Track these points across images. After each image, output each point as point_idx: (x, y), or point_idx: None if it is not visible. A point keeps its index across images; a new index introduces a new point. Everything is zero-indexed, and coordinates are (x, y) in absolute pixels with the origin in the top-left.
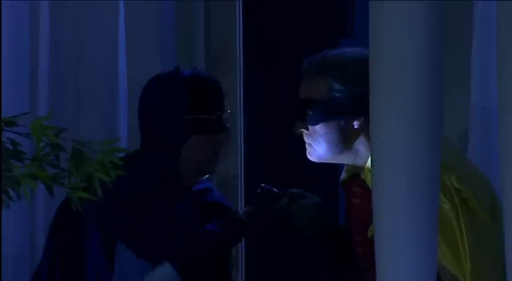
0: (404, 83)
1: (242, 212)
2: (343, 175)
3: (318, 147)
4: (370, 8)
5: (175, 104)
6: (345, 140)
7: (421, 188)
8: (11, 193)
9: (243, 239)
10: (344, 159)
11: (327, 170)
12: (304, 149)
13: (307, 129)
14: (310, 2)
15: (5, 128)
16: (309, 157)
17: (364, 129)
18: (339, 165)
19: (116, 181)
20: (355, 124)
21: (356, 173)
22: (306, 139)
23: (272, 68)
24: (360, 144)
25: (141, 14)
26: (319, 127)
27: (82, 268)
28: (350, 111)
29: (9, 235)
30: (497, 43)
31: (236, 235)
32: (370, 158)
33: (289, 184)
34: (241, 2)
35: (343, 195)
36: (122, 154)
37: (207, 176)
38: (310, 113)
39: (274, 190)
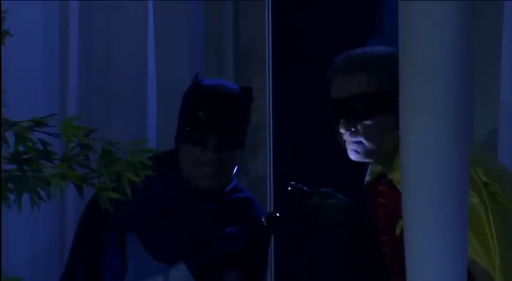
0: (434, 83)
1: (263, 217)
2: (367, 178)
3: (370, 144)
4: (400, 7)
5: (182, 110)
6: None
7: (451, 188)
8: (41, 192)
9: (272, 242)
10: (382, 158)
11: (355, 171)
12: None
13: (355, 126)
14: (338, 2)
15: (35, 128)
16: (353, 157)
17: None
18: (366, 167)
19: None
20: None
21: (382, 173)
22: (353, 138)
23: (301, 68)
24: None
25: (170, 15)
26: (371, 122)
27: (102, 267)
28: (393, 108)
29: (40, 233)
30: None
31: (255, 239)
32: (397, 158)
33: (317, 185)
34: (270, 2)
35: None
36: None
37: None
38: (360, 108)
39: (304, 188)
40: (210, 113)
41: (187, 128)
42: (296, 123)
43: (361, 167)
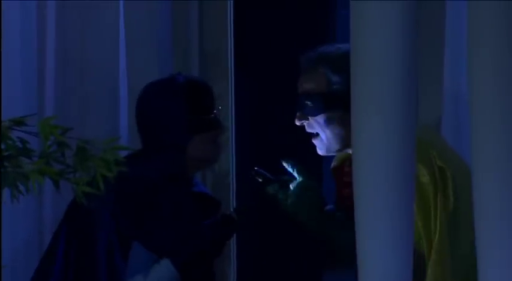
0: (382, 82)
1: (232, 209)
2: (334, 163)
3: (325, 138)
4: (351, 8)
5: (177, 108)
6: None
7: (397, 182)
8: (21, 187)
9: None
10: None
11: (314, 164)
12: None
13: (307, 119)
14: (296, 10)
15: (15, 127)
16: (319, 151)
17: None
18: (325, 161)
19: (127, 177)
20: None
21: (347, 158)
22: (309, 130)
23: (261, 70)
24: None
25: (139, 19)
26: (320, 118)
27: (96, 262)
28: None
29: (19, 229)
30: (468, 30)
31: (228, 232)
32: None
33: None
34: (232, 7)
35: (331, 184)
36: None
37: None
38: (310, 104)
39: (267, 174)
40: (212, 99)
41: (200, 118)
42: (256, 122)
43: (319, 162)
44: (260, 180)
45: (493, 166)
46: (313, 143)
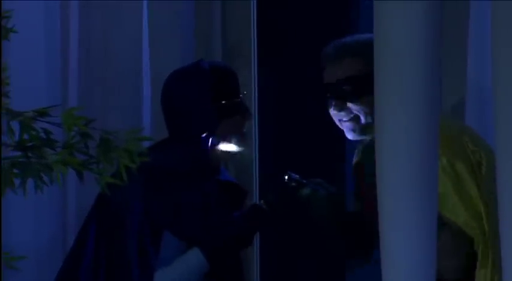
0: (407, 82)
1: (262, 201)
2: (356, 159)
3: (364, 119)
4: (374, 6)
5: (203, 94)
6: None
7: (422, 180)
8: (44, 178)
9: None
10: None
11: (336, 159)
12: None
13: (346, 106)
14: (319, 3)
15: (39, 118)
16: (350, 136)
17: None
18: (345, 154)
19: (156, 166)
20: None
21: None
22: (346, 117)
23: (284, 64)
24: None
25: (163, 13)
26: (360, 101)
27: (127, 251)
28: None
29: (44, 221)
30: (492, 24)
31: (258, 223)
32: None
33: (300, 171)
34: (255, 4)
35: (350, 180)
36: (146, 142)
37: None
38: (349, 89)
39: (299, 178)
40: (237, 83)
41: (226, 102)
42: (280, 115)
43: (342, 155)
44: (293, 184)
45: None
46: (336, 132)
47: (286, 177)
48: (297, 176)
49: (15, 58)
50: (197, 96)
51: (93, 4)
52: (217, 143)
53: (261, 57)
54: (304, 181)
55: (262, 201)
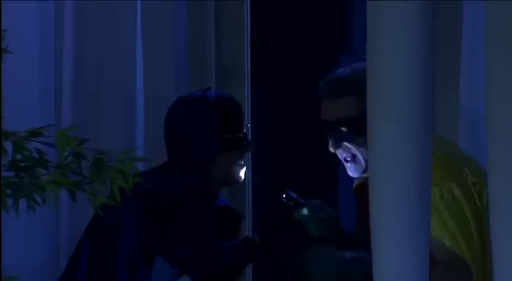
0: (399, 92)
1: (255, 235)
2: (356, 181)
3: (362, 160)
4: (368, 8)
5: (208, 125)
6: None
7: (415, 191)
8: (37, 198)
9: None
10: None
11: (328, 177)
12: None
13: (341, 147)
14: (313, 20)
15: (31, 138)
16: (351, 174)
17: None
18: (339, 174)
19: (151, 191)
20: None
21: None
22: (344, 156)
23: (278, 82)
24: None
25: (157, 34)
26: (356, 141)
27: (119, 276)
28: None
29: (36, 243)
30: (485, 45)
31: (248, 256)
32: None
33: (293, 188)
34: (249, 22)
35: (345, 201)
36: (140, 163)
37: None
38: (345, 130)
39: (297, 197)
40: (242, 118)
41: (229, 137)
42: (273, 132)
43: (337, 177)
44: (291, 204)
45: (509, 173)
46: (329, 155)
47: (284, 195)
48: (295, 195)
49: (8, 77)
50: (200, 126)
51: (88, 24)
52: (216, 173)
53: (254, 76)
54: (302, 201)
55: (255, 235)
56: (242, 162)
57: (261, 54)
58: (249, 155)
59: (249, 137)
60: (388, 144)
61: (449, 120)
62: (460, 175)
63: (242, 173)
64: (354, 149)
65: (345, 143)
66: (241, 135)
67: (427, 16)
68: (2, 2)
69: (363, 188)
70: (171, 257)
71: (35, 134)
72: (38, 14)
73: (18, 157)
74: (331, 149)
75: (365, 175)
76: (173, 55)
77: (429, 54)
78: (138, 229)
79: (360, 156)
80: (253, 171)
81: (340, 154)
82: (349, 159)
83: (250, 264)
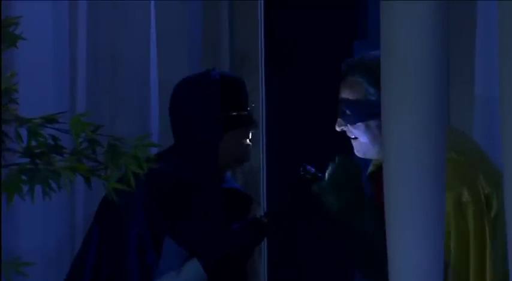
0: (413, 80)
1: (263, 214)
2: (371, 168)
3: (363, 142)
4: (381, 8)
5: (212, 104)
6: None
7: (429, 182)
8: (52, 184)
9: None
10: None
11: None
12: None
13: (347, 127)
14: (327, 7)
15: (47, 125)
16: (356, 153)
17: None
18: (355, 161)
19: (160, 174)
20: None
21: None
22: (349, 134)
23: (291, 68)
24: None
25: (170, 21)
26: (358, 126)
27: (128, 257)
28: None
29: (51, 227)
30: (499, 37)
31: (257, 237)
32: None
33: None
34: (263, 9)
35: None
36: (154, 149)
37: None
38: (348, 113)
39: (315, 171)
40: (246, 96)
41: (234, 114)
42: (287, 119)
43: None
44: (308, 177)
45: None
46: (344, 140)
47: (301, 169)
48: (313, 169)
49: (23, 65)
50: (205, 105)
51: (102, 12)
52: (223, 153)
53: (268, 63)
54: (320, 175)
55: (262, 214)
56: (248, 140)
57: (276, 43)
58: (262, 140)
59: (254, 116)
60: (403, 136)
61: (464, 112)
62: (473, 182)
63: (249, 151)
64: (356, 131)
65: (348, 125)
66: (245, 113)
67: (442, 8)
68: None
69: (377, 175)
70: (177, 236)
71: (49, 120)
72: (53, 2)
73: (34, 143)
74: (336, 127)
75: (374, 160)
76: (187, 42)
77: (443, 46)
78: (147, 211)
79: (361, 139)
80: (267, 157)
81: (347, 133)
82: (352, 137)
83: (265, 247)
